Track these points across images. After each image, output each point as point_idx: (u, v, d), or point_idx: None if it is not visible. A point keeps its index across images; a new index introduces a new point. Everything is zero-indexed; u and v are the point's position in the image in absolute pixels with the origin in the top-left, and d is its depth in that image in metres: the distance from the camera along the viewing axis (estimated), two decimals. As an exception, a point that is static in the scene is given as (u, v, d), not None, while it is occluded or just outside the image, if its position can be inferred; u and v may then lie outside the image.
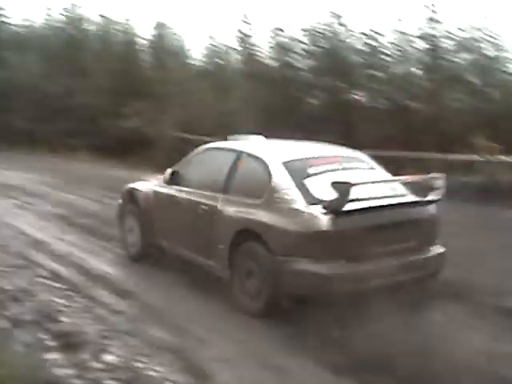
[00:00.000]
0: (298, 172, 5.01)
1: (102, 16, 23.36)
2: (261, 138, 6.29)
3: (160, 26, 22.54)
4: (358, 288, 4.53)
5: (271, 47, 16.51)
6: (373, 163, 5.72)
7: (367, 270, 4.58)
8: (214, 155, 6.35)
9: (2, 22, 24.51)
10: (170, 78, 19.58)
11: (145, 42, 23.35)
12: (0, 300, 5.12)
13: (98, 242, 8.00)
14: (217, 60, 20.87)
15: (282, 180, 4.96)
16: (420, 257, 5.07)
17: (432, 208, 5.25)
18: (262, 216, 4.95)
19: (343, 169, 5.26)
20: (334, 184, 4.44)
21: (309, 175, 4.99)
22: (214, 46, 20.71)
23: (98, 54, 22.38)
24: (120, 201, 7.48)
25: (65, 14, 23.80)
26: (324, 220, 4.50)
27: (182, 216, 6.25)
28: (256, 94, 15.86)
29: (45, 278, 6.21)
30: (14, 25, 24.80)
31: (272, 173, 5.05)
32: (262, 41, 16.87)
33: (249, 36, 16.88)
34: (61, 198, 11.38)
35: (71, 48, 22.78)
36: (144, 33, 23.22)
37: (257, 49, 16.99)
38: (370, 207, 4.63)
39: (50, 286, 5.96)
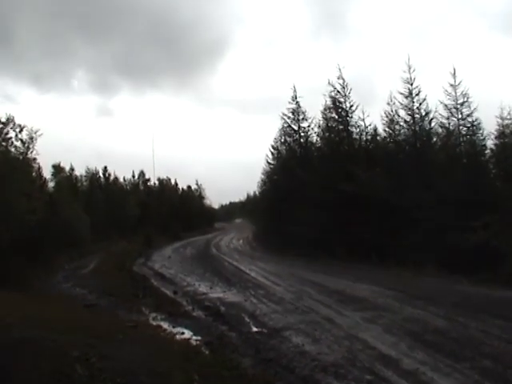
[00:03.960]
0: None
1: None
2: None
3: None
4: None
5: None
6: None
7: None
8: None
9: (351, 136, 27.94)
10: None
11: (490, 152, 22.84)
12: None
13: (447, 360, 7.51)
14: None
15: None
16: None
17: None
18: None
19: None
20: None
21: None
22: None
23: (443, 165, 22.80)
24: None
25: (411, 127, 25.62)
26: None
27: None
28: None
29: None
30: (363, 140, 27.98)
31: None
32: None
33: None
34: (407, 312, 11.30)
35: (416, 160, 23.90)
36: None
37: None
38: None
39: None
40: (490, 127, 23.30)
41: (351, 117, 29.07)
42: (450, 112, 23.66)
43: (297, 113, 34.55)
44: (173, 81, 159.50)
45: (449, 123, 24.09)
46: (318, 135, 33.31)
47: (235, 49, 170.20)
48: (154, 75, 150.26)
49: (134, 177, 64.40)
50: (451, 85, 23.30)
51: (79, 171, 52.56)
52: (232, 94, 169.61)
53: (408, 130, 26.17)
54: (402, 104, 25.72)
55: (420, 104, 25.35)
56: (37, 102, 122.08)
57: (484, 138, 23.50)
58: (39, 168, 30.26)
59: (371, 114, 33.65)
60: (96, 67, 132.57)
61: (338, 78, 29.01)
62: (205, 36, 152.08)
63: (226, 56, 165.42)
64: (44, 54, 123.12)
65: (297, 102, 34.30)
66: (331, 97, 29.45)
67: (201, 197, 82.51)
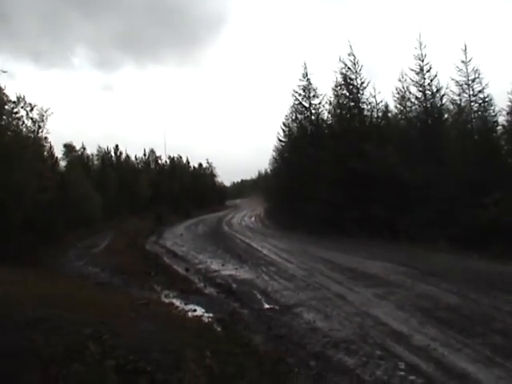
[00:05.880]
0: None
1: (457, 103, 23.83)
2: None
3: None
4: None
5: None
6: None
7: None
8: None
9: (362, 113, 27.66)
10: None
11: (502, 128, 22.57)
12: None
13: (458, 336, 7.50)
14: None
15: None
16: None
17: None
18: None
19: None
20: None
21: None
22: None
23: (455, 142, 22.57)
24: None
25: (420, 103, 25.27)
26: None
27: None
28: None
29: (403, 370, 6.23)
30: (374, 117, 27.72)
31: None
32: None
33: None
34: (419, 288, 11.27)
35: (427, 137, 23.64)
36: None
37: None
38: None
39: (407, 379, 5.93)
40: (501, 103, 23.00)
41: (362, 93, 28.84)
42: (462, 88, 23.40)
43: (308, 90, 34.12)
44: (176, 55, 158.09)
45: (460, 99, 23.87)
46: (329, 112, 32.96)
47: (239, 22, 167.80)
48: (156, 49, 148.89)
49: (145, 155, 64.54)
50: (462, 61, 23.01)
51: (90, 150, 52.67)
52: (243, 70, 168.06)
53: (419, 106, 25.89)
54: (413, 80, 25.46)
55: (431, 80, 25.08)
56: (37, 79, 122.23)
57: (496, 115, 23.27)
58: (50, 147, 30.32)
59: (382, 89, 33.26)
60: (96, 43, 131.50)
61: (349, 55, 28.68)
62: (206, 8, 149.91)
63: (230, 30, 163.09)
64: (43, 30, 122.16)
65: (308, 79, 33.86)
66: (342, 73, 29.14)
67: (212, 175, 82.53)
